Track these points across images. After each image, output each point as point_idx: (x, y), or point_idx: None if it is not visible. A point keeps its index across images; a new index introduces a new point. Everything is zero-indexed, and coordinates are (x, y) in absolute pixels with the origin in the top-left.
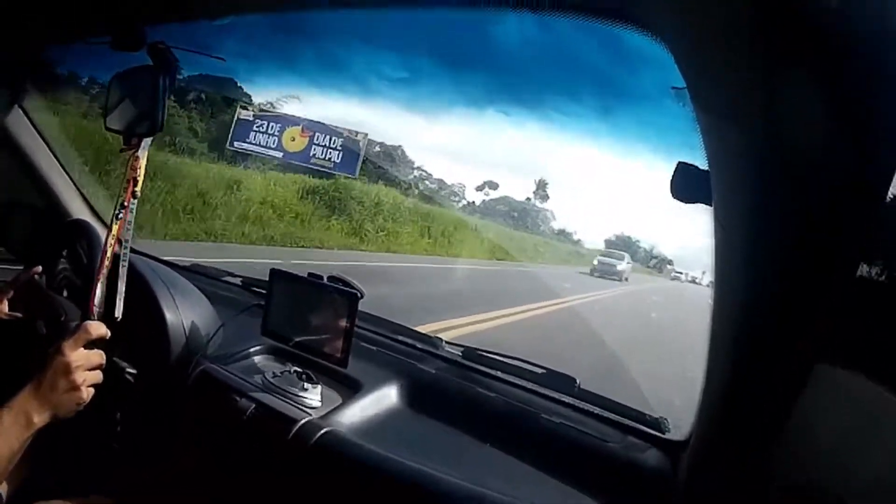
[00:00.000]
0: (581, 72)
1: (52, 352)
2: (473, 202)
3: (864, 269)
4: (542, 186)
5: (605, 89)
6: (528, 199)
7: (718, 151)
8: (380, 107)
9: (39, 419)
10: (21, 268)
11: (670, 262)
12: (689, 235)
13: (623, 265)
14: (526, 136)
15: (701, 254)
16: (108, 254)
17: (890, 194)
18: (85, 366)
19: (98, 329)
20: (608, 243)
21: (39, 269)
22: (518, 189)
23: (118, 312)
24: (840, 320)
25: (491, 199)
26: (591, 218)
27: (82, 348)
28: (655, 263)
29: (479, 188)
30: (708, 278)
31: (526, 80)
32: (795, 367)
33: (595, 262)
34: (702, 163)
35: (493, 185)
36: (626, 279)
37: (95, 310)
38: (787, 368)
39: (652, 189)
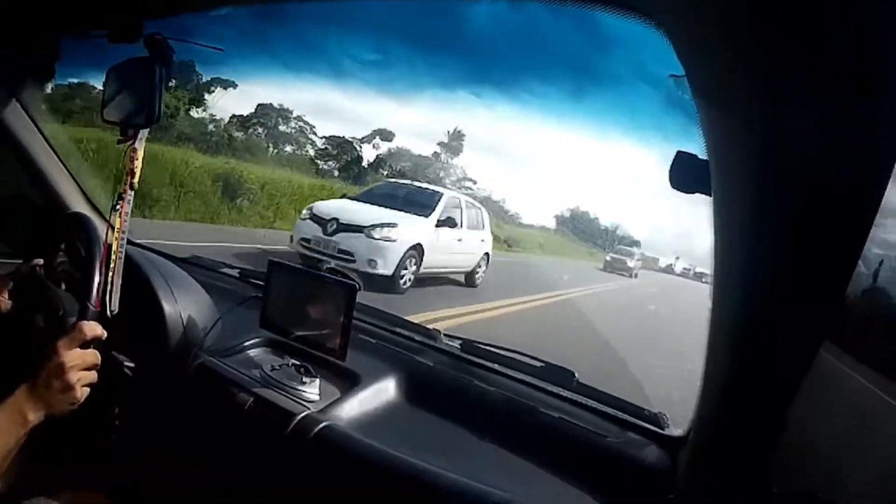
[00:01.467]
0: (561, 55)
1: (48, 351)
2: (360, 157)
3: (864, 263)
4: (456, 138)
5: (581, 72)
6: (436, 153)
7: (718, 141)
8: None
9: (34, 418)
10: (20, 261)
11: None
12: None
13: (633, 262)
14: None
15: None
16: (112, 247)
17: (890, 186)
18: (80, 366)
19: (94, 329)
20: (559, 220)
21: (41, 261)
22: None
23: (114, 307)
24: (840, 314)
25: (383, 154)
26: (525, 182)
27: (78, 348)
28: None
29: (367, 139)
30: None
31: (504, 63)
32: (795, 362)
33: (608, 259)
34: (701, 152)
35: (387, 136)
36: (636, 275)
37: (91, 308)
38: (787, 363)
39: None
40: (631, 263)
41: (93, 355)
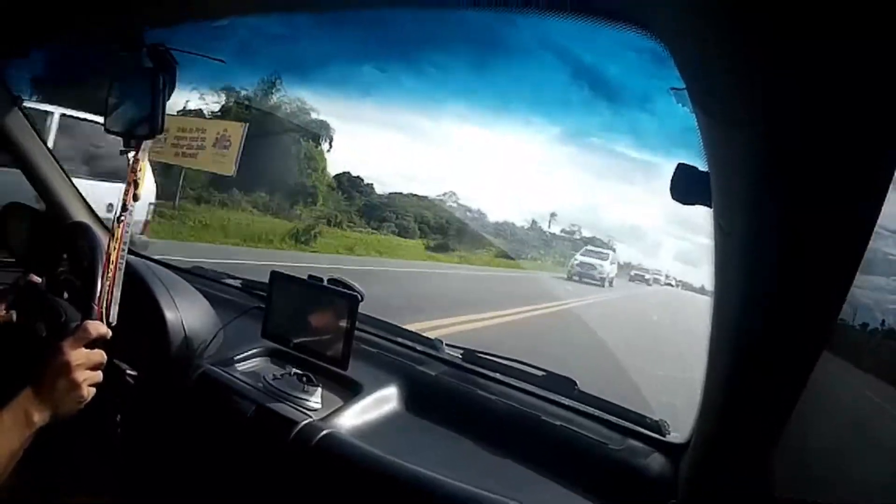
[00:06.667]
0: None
1: (53, 351)
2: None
3: (863, 272)
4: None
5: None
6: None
7: (718, 153)
8: None
9: (40, 418)
10: (21, 270)
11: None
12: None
13: (607, 266)
14: None
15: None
16: (112, 256)
17: (889, 195)
18: (85, 365)
19: (99, 328)
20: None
21: (40, 279)
22: None
23: (112, 318)
24: (840, 323)
25: None
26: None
27: (83, 347)
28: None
29: None
30: None
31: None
32: (795, 370)
33: (575, 262)
34: (701, 164)
35: None
36: (612, 284)
37: (95, 308)
38: (787, 371)
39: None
40: (605, 269)
41: (98, 354)
